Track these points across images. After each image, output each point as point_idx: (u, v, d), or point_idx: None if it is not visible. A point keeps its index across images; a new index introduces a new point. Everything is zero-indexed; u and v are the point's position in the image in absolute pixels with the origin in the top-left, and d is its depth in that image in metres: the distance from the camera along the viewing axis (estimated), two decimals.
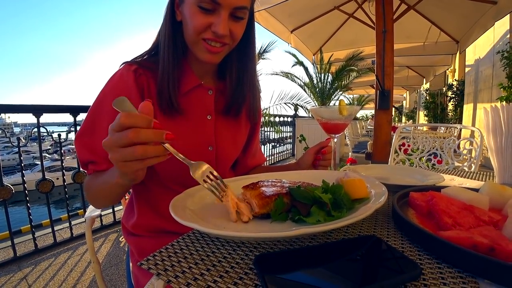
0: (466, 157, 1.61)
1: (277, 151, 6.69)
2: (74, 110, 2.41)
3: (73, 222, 2.60)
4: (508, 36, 5.38)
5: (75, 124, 2.46)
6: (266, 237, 0.43)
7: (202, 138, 0.81)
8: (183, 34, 0.76)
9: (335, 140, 0.75)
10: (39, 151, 2.35)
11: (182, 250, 0.44)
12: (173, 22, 0.76)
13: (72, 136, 2.44)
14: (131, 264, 0.91)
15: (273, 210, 0.48)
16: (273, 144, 6.14)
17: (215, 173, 0.55)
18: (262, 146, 5.68)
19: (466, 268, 0.36)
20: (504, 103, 0.66)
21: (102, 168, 0.73)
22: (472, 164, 1.53)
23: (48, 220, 2.43)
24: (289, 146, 7.25)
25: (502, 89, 5.06)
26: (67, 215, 2.56)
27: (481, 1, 3.69)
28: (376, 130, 2.42)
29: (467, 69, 7.87)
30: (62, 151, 2.50)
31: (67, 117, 2.43)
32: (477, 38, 4.44)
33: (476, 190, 0.59)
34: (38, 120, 2.22)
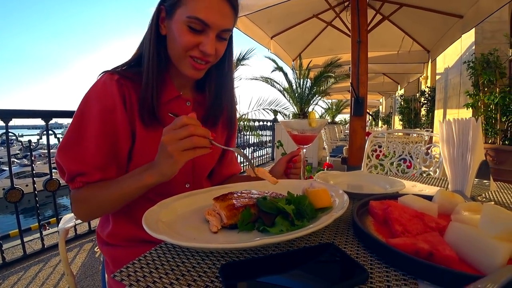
0: (432, 163, 1.71)
1: (257, 155, 6.73)
2: (46, 115, 2.32)
3: (44, 232, 2.49)
4: (474, 47, 5.72)
5: (47, 129, 2.37)
6: (230, 248, 0.45)
7: None
8: (167, 47, 0.80)
9: (304, 150, 0.79)
10: (8, 158, 2.25)
11: (154, 261, 0.46)
12: (157, 36, 0.79)
13: (44, 140, 2.36)
14: (106, 275, 0.91)
15: (240, 221, 0.51)
16: (253, 148, 6.18)
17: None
18: (242, 151, 5.70)
19: (409, 271, 0.40)
20: (456, 117, 0.73)
21: (94, 179, 0.73)
22: (437, 169, 1.62)
23: (17, 230, 2.31)
24: (269, 150, 7.32)
25: (468, 96, 5.37)
26: (37, 224, 2.45)
27: (449, 15, 3.93)
28: (351, 136, 2.51)
29: (437, 77, 8.27)
30: (32, 157, 2.41)
31: (39, 121, 2.35)
32: (446, 48, 4.71)
33: (431, 197, 0.65)
34: (6, 125, 2.13)
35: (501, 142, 4.48)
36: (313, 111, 0.84)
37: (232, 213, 0.51)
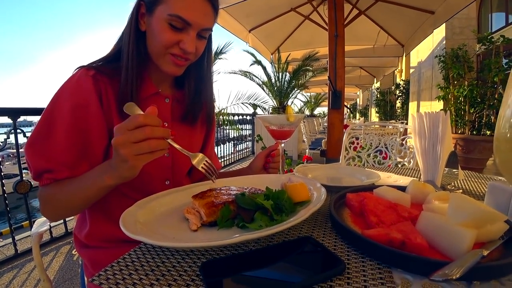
0: (407, 154, 1.77)
1: (237, 149, 6.73)
2: (13, 112, 2.21)
3: (16, 237, 2.37)
4: (444, 42, 5.97)
5: (15, 127, 2.25)
6: (209, 246, 0.45)
7: None
8: (146, 44, 0.79)
9: (282, 145, 0.80)
10: None
11: (133, 262, 0.45)
12: (137, 31, 0.78)
13: (13, 139, 2.24)
14: (86, 279, 0.89)
15: (219, 218, 0.51)
16: (233, 142, 6.17)
17: (209, 160, 0.67)
18: (222, 145, 5.68)
19: (383, 260, 0.42)
20: (427, 111, 0.76)
21: (62, 177, 0.70)
22: (411, 160, 1.69)
23: None
24: (249, 144, 7.33)
25: (439, 89, 5.60)
26: (9, 229, 2.33)
27: (422, 10, 4.06)
28: (330, 129, 2.56)
29: (411, 70, 8.57)
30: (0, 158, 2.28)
31: (5, 119, 2.21)
32: (419, 43, 4.88)
33: (404, 187, 0.68)
34: None
35: (469, 132, 4.72)
36: (290, 106, 0.85)
37: (211, 210, 0.51)
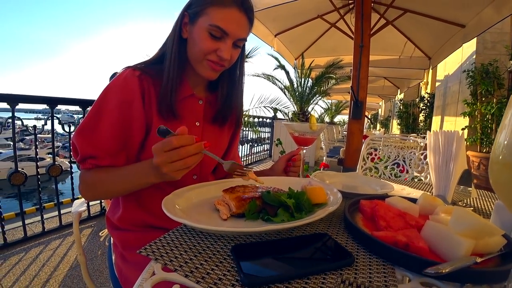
0: (424, 168, 1.79)
1: (255, 151, 6.82)
2: (51, 101, 2.39)
3: (45, 216, 2.56)
4: (474, 57, 5.81)
5: (52, 115, 2.43)
6: (240, 232, 0.53)
7: None
8: (187, 50, 0.88)
9: (304, 151, 0.87)
10: (13, 143, 2.31)
11: (173, 241, 0.53)
12: (179, 38, 0.88)
13: (39, 125, 2.41)
14: (113, 256, 0.98)
15: (247, 211, 0.59)
16: (251, 144, 6.26)
17: (240, 164, 0.77)
18: (241, 146, 5.78)
19: (388, 258, 0.48)
20: (443, 129, 0.81)
21: (104, 164, 0.80)
22: (428, 175, 1.71)
23: (14, 213, 2.36)
24: (267, 147, 7.41)
25: (466, 105, 5.45)
26: (34, 208, 2.50)
27: (451, 23, 4.00)
28: (349, 138, 2.59)
29: (437, 84, 8.37)
30: (36, 143, 2.46)
31: (35, 105, 2.38)
32: (446, 56, 4.78)
33: (415, 199, 0.73)
34: (13, 110, 2.18)
35: None
36: (313, 115, 0.91)
37: (240, 203, 0.59)
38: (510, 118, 0.38)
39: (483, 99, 5.28)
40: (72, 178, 2.56)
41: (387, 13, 3.98)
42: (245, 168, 0.72)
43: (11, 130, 2.33)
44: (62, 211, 2.62)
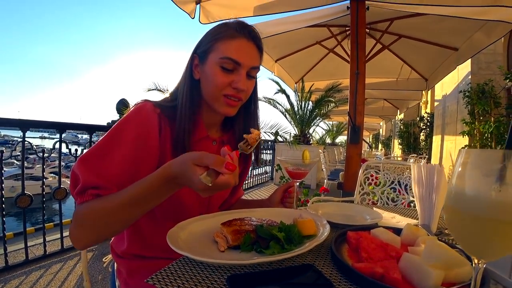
0: None
1: (256, 173, 6.87)
2: (60, 126, 2.49)
3: (47, 238, 2.58)
4: (470, 77, 5.96)
5: (60, 140, 2.51)
6: (234, 264, 0.59)
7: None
8: (200, 90, 0.89)
9: (297, 183, 0.94)
10: (21, 166, 2.37)
11: (176, 271, 0.59)
12: (191, 81, 0.89)
13: (48, 144, 2.47)
14: (117, 282, 1.02)
15: (242, 243, 0.65)
16: (252, 166, 6.32)
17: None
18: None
19: None
20: (424, 161, 0.88)
21: (107, 194, 0.72)
22: None
23: (12, 233, 2.36)
24: (268, 169, 7.47)
25: (464, 124, 5.53)
26: (33, 229, 2.49)
27: (445, 47, 4.16)
28: (347, 162, 2.65)
29: (436, 103, 8.51)
30: (43, 166, 2.52)
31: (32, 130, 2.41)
32: (442, 78, 4.93)
33: (401, 229, 0.79)
34: (23, 135, 2.26)
35: None
36: (307, 150, 0.97)
37: (236, 236, 0.66)
38: (458, 166, 0.45)
39: (481, 118, 5.37)
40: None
41: (382, 38, 4.15)
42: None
43: (18, 148, 2.37)
44: (64, 233, 2.64)
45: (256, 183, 6.75)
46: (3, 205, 2.15)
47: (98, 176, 0.72)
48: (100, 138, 0.79)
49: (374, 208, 1.12)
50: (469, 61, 5.56)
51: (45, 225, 2.59)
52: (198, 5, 2.64)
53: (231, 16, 2.78)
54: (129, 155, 0.77)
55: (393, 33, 4.14)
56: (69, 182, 0.76)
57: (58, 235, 2.66)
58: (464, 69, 6.15)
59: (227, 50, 0.82)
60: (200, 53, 0.87)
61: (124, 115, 0.82)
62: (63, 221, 2.62)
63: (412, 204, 1.83)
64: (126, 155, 0.76)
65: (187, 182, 0.63)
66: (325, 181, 5.44)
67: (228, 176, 0.60)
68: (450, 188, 0.45)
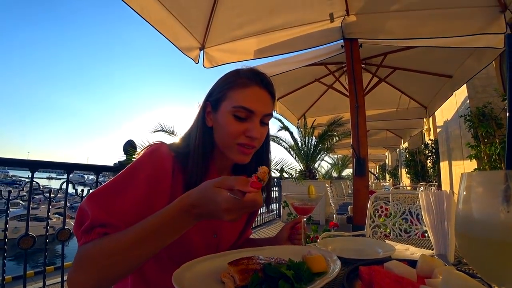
0: None
1: (263, 211, 6.75)
2: (68, 167, 2.50)
3: (47, 282, 2.44)
4: (468, 101, 6.03)
5: (67, 181, 2.47)
6: None
7: (209, 226, 0.92)
8: (213, 137, 0.89)
9: (304, 219, 0.92)
10: (28, 207, 2.32)
11: None
12: (204, 127, 0.88)
13: (54, 184, 2.44)
14: None
15: (250, 283, 0.63)
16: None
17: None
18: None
19: None
20: (434, 189, 0.86)
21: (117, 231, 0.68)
22: None
23: (10, 277, 2.25)
24: (275, 206, 7.34)
25: (470, 148, 5.48)
26: (32, 272, 2.37)
27: (439, 75, 4.28)
28: (355, 195, 2.61)
29: (438, 130, 8.52)
30: (49, 207, 2.47)
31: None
32: (441, 104, 5.01)
33: (416, 261, 0.76)
34: (32, 176, 2.24)
35: None
36: (312, 185, 0.97)
37: (244, 276, 0.63)
38: (462, 191, 0.45)
39: (486, 140, 5.33)
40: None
41: (378, 71, 4.29)
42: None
43: (25, 188, 2.34)
44: (64, 276, 2.50)
45: (263, 221, 6.59)
46: (6, 246, 2.08)
47: (109, 213, 0.69)
48: (114, 177, 0.77)
49: (387, 241, 1.08)
50: (464, 86, 5.67)
51: (47, 268, 2.48)
52: (202, 51, 2.80)
53: (233, 60, 2.94)
54: (141, 195, 0.75)
55: (387, 66, 4.29)
56: (73, 223, 0.73)
57: (59, 279, 2.53)
58: (461, 94, 6.25)
59: (240, 99, 0.83)
60: (213, 101, 0.88)
61: (139, 156, 0.83)
62: (65, 263, 2.51)
63: (426, 234, 1.75)
64: (138, 195, 0.74)
65: (209, 207, 0.61)
66: (334, 215, 5.30)
67: (255, 193, 0.59)
68: (457, 213, 0.44)
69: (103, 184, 0.76)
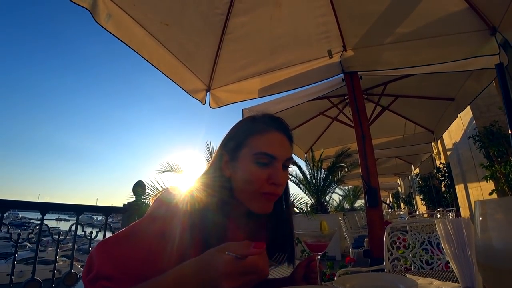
0: None
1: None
2: (78, 209, 2.48)
3: None
4: (474, 122, 6.00)
5: (77, 222, 2.47)
6: None
7: None
8: (231, 187, 0.84)
9: (319, 257, 0.90)
10: (36, 250, 2.30)
11: None
12: (222, 178, 0.85)
13: (63, 226, 2.37)
14: None
15: None
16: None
17: None
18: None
19: None
20: (453, 214, 0.84)
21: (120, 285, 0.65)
22: None
23: None
24: None
25: (484, 168, 5.34)
26: None
27: (441, 99, 4.31)
28: (370, 227, 2.51)
29: (448, 152, 8.39)
30: (57, 249, 2.41)
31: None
32: (447, 127, 4.99)
33: None
34: (42, 218, 2.25)
35: None
36: (324, 221, 0.94)
37: None
38: (479, 219, 0.45)
39: (499, 159, 5.21)
40: None
41: (381, 100, 4.35)
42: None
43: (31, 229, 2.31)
44: None
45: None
46: None
47: (115, 265, 0.67)
48: (131, 224, 0.76)
49: (408, 275, 1.03)
50: (468, 108, 5.68)
51: None
52: (208, 92, 2.92)
53: (238, 100, 3.05)
54: (150, 250, 0.72)
55: (389, 94, 4.35)
56: (79, 267, 0.72)
57: None
58: (466, 115, 6.24)
59: (261, 145, 0.82)
60: (230, 150, 0.86)
61: (152, 204, 0.80)
62: None
63: (449, 265, 1.66)
64: (147, 250, 0.71)
65: (209, 272, 0.57)
66: (350, 250, 5.07)
67: (256, 257, 0.55)
68: (477, 243, 0.44)
69: (115, 233, 0.75)
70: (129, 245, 0.71)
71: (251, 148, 0.82)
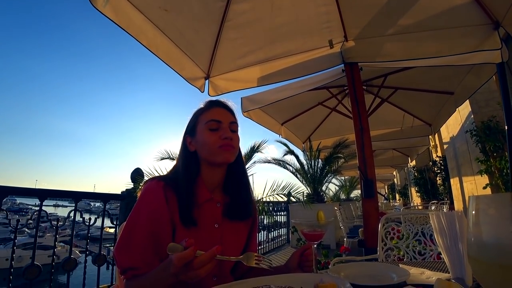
0: None
1: (272, 236, 6.64)
2: (76, 195, 2.50)
3: None
4: (472, 116, 6.01)
5: (75, 209, 2.48)
6: None
7: (210, 244, 0.95)
8: (197, 158, 1.08)
9: (315, 245, 0.92)
10: (35, 236, 2.30)
11: None
12: (187, 153, 1.09)
13: (60, 212, 2.38)
14: None
15: None
16: (267, 230, 6.18)
17: (256, 254, 0.86)
18: (258, 234, 5.66)
19: None
20: (446, 207, 0.86)
21: (142, 273, 0.89)
22: None
23: None
24: (284, 231, 7.21)
25: (479, 163, 5.39)
26: None
27: (441, 92, 4.30)
28: (365, 218, 2.55)
29: (445, 146, 8.44)
30: (56, 235, 2.41)
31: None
32: (445, 121, 4.99)
33: (432, 285, 0.74)
34: (41, 204, 2.28)
35: None
36: (321, 211, 1.00)
37: None
38: (471, 214, 0.46)
39: (495, 154, 5.25)
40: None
41: (380, 92, 4.34)
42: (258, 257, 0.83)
43: (29, 215, 2.31)
44: None
45: (272, 248, 6.44)
46: (11, 277, 2.02)
47: (129, 258, 0.91)
48: (125, 224, 0.97)
49: (400, 265, 1.06)
50: (467, 101, 5.68)
51: None
52: (207, 80, 2.89)
53: (237, 88, 3.04)
54: (147, 233, 0.93)
55: (389, 86, 4.33)
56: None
57: None
58: (465, 109, 6.24)
59: (208, 116, 1.07)
60: (189, 131, 1.11)
61: (138, 197, 1.01)
62: None
63: (441, 256, 1.69)
64: (145, 236, 0.92)
65: (168, 268, 0.74)
66: (345, 239, 5.16)
67: (197, 258, 0.72)
68: (469, 236, 0.45)
69: (121, 234, 0.96)
70: (132, 240, 0.92)
71: (202, 122, 1.07)
